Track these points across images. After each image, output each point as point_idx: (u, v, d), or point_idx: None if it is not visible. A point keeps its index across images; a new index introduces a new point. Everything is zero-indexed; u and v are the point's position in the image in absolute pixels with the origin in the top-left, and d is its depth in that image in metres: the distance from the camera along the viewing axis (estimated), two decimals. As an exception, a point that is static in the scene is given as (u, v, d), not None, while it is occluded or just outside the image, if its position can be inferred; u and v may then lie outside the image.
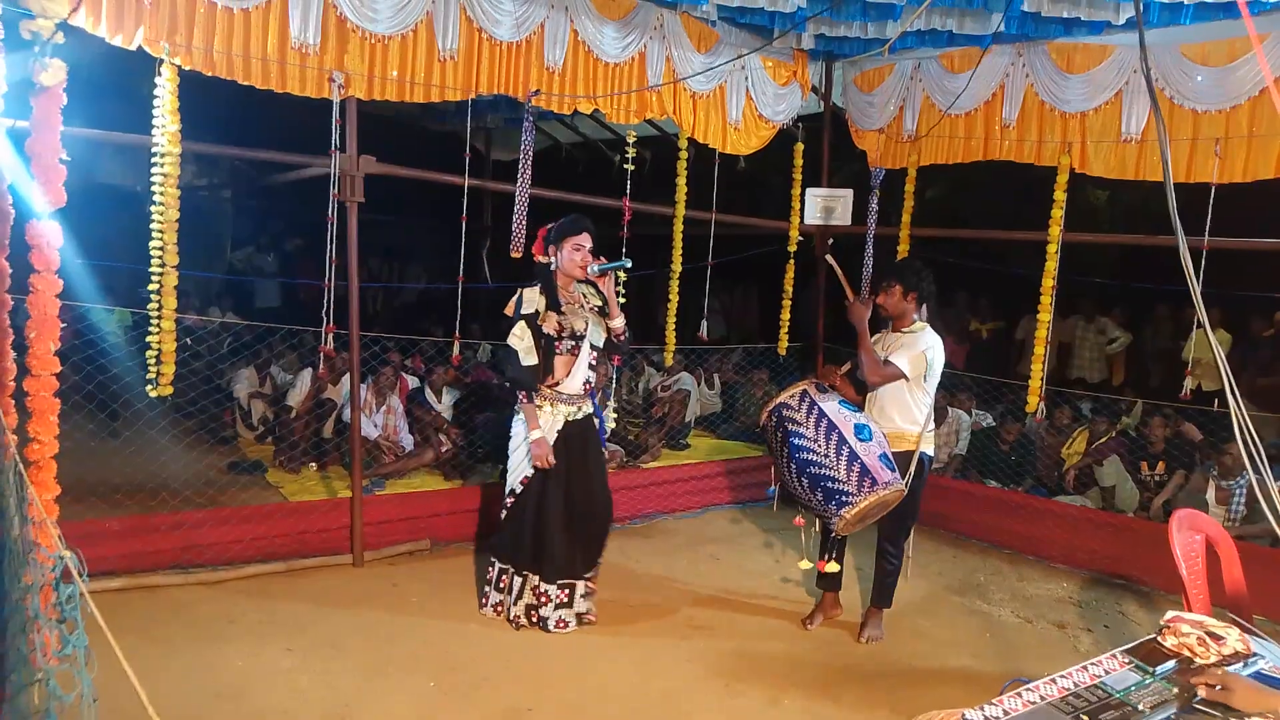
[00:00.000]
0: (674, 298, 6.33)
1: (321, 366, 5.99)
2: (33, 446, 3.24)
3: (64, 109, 3.35)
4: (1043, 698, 2.16)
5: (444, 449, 6.59)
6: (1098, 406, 7.41)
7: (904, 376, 4.22)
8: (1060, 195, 5.78)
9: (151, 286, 4.40)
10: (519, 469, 4.26)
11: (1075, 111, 5.71)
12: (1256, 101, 5.04)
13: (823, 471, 3.92)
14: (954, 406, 7.15)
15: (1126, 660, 2.36)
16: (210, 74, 4.29)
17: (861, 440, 3.96)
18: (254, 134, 5.80)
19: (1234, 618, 2.81)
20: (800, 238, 6.98)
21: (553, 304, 4.17)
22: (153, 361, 4.47)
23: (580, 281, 4.27)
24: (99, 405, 6.08)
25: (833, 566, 4.43)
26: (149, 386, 4.52)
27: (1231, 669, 2.30)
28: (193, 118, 4.39)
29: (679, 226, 6.31)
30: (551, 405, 4.21)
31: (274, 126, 6.61)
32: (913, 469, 4.17)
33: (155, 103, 4.24)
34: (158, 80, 4.21)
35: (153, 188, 4.33)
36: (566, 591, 4.34)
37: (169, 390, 4.54)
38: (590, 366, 4.26)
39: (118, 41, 3.98)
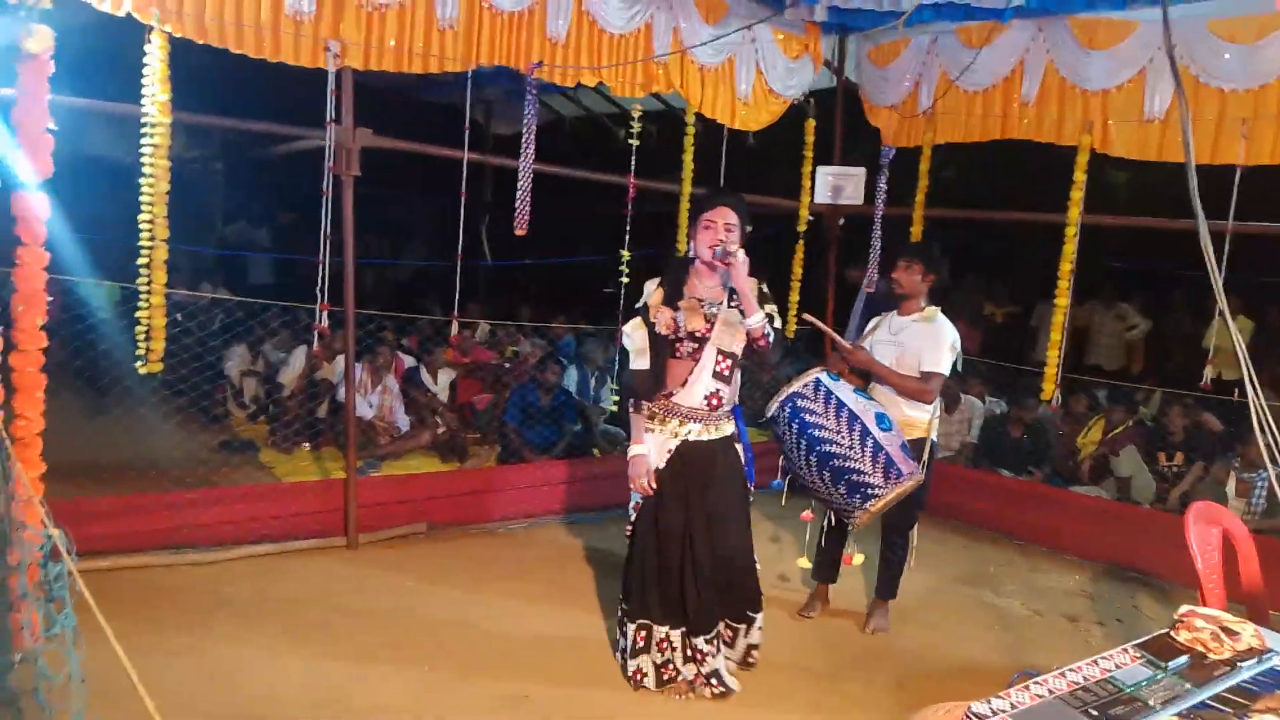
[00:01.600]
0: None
1: (316, 345, 6.00)
2: (18, 423, 3.26)
3: (51, 77, 3.34)
4: (1051, 691, 2.17)
5: (440, 430, 6.62)
6: (1115, 395, 7.41)
7: (945, 376, 4.26)
8: (1080, 176, 5.74)
9: (141, 260, 4.40)
10: (634, 493, 3.70)
11: (1097, 89, 5.66)
12: (1286, 81, 5.00)
13: (847, 464, 3.84)
14: (967, 393, 7.15)
15: (1138, 655, 2.37)
16: (202, 42, 4.27)
17: (884, 430, 3.90)
18: (247, 104, 5.78)
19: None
20: (810, 217, 6.96)
21: (671, 298, 3.57)
22: (142, 337, 4.48)
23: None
24: (87, 381, 6.10)
25: (859, 558, 4.40)
26: (138, 363, 4.53)
27: (1245, 664, 2.31)
28: (184, 87, 4.38)
29: (685, 204, 6.29)
30: (662, 421, 3.59)
31: (268, 97, 6.58)
32: (926, 457, 4.18)
33: (145, 71, 4.23)
34: (147, 48, 4.19)
35: (142, 159, 4.33)
36: (715, 643, 3.72)
37: (158, 367, 4.56)
38: (719, 376, 3.55)
39: (106, 7, 3.96)
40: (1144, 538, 5.58)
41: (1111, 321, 9.35)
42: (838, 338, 4.36)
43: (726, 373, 3.57)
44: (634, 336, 3.58)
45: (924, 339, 4.26)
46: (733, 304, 3.54)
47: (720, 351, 3.54)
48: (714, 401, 3.57)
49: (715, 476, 3.60)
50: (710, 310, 3.55)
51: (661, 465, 3.59)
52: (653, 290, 3.61)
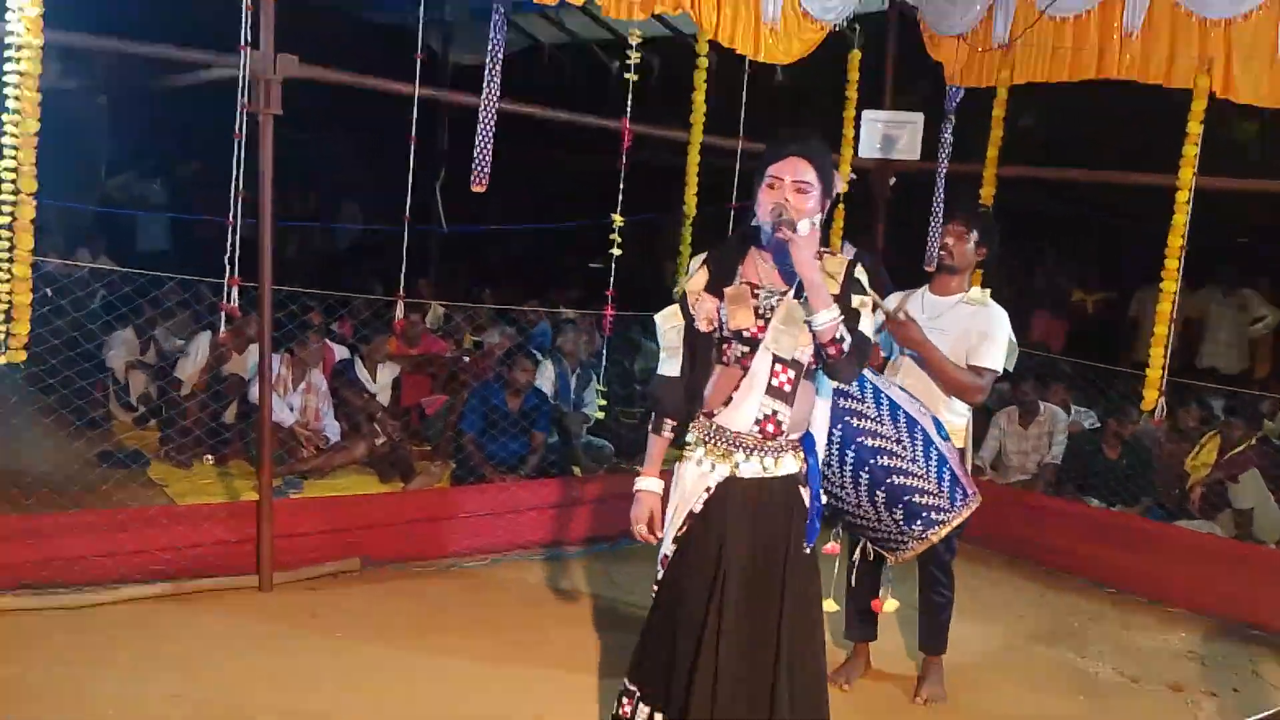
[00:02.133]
0: (685, 249, 6.32)
1: (222, 330, 5.98)
2: None
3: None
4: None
5: (379, 441, 6.61)
6: (1234, 405, 7.43)
7: (999, 375, 4.31)
8: (1195, 128, 5.74)
9: (1, 220, 4.38)
10: (665, 540, 3.27)
11: (1218, 18, 5.66)
12: None
13: (908, 482, 3.79)
14: (1047, 400, 7.17)
15: (1261, 736, 2.38)
16: (82, -58, 4.26)
17: (944, 439, 3.92)
18: (142, 24, 5.77)
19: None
20: (853, 174, 6.97)
21: (717, 282, 3.17)
22: (1, 318, 4.46)
23: (824, 250, 3.18)
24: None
25: (893, 603, 4.36)
26: (-4, 351, 4.51)
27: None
28: (60, 1, 4.36)
29: (694, 156, 6.29)
30: (705, 449, 3.19)
31: (166, 15, 6.58)
32: (970, 469, 4.23)
33: (9, -22, 4.21)
34: (13, -51, 4.18)
35: (5, 90, 4.31)
36: None
37: (22, 356, 4.53)
38: (776, 393, 3.11)
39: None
40: (1269, 586, 5.60)
41: (1232, 312, 9.39)
42: (886, 307, 4.27)
43: (787, 388, 3.13)
44: (666, 331, 3.25)
45: (977, 327, 4.25)
46: (803, 294, 3.09)
47: (778, 359, 3.13)
48: (770, 427, 3.13)
49: (763, 531, 3.18)
50: (767, 301, 3.15)
51: (698, 509, 3.19)
52: (697, 269, 3.24)
